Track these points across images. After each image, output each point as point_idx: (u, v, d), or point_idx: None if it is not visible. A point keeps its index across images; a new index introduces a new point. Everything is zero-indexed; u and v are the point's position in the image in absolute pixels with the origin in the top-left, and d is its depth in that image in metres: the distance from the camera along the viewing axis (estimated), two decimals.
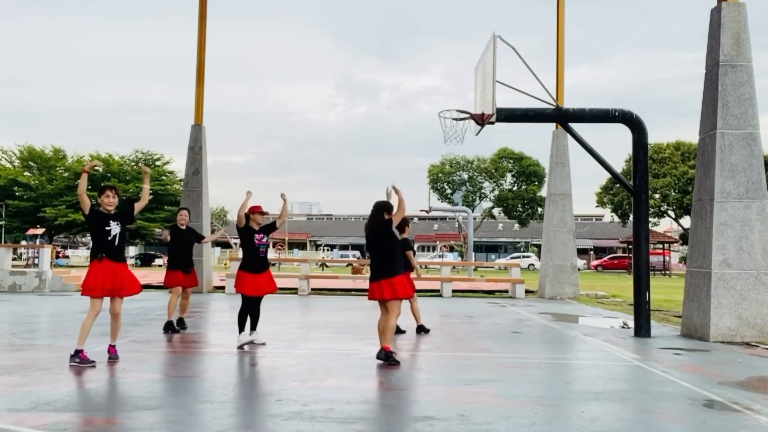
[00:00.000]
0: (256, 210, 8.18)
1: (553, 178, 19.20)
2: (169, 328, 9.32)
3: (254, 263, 8.09)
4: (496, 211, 54.92)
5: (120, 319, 6.92)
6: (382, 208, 7.22)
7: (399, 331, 9.57)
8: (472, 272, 35.04)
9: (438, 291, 18.59)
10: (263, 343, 8.21)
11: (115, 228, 6.73)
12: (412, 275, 9.50)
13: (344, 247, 71.88)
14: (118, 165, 50.46)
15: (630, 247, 37.67)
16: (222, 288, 18.53)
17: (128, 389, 5.69)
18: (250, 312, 8.14)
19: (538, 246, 55.67)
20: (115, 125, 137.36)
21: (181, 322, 9.65)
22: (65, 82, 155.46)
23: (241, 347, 7.89)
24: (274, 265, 41.59)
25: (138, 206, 7.17)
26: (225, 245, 62.31)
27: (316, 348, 8.17)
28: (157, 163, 52.56)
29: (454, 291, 18.87)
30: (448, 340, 9.37)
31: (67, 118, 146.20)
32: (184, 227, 9.64)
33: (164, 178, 51.18)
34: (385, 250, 7.11)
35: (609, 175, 18.38)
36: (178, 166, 59.32)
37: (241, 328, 8.01)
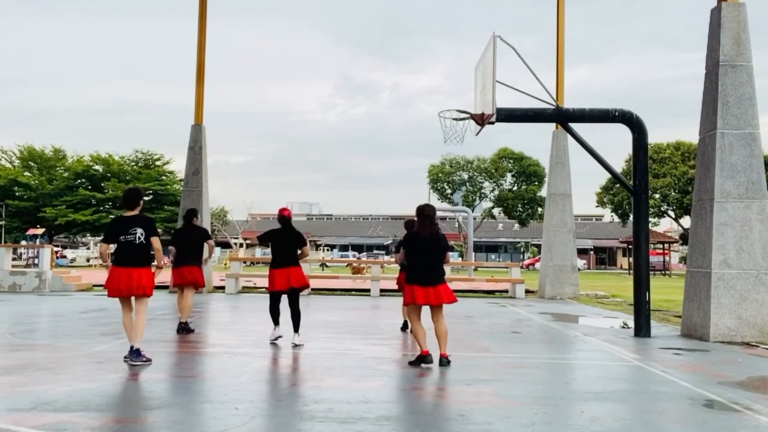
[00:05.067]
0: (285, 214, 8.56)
1: (553, 178, 19.19)
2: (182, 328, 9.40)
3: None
4: (496, 211, 54.86)
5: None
6: (434, 215, 7.26)
7: (406, 327, 9.83)
8: (472, 272, 35.04)
9: None
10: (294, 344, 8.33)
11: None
12: None
13: (344, 248, 71.86)
14: (118, 165, 50.44)
15: (629, 247, 37.69)
16: (222, 288, 18.52)
17: (128, 389, 5.70)
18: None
19: (538, 246, 55.62)
20: (115, 125, 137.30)
21: (184, 326, 9.37)
22: (65, 82, 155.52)
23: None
24: None
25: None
26: (225, 245, 62.33)
27: (316, 348, 8.17)
28: (157, 163, 52.55)
29: (454, 291, 18.83)
30: (448, 340, 9.35)
31: (67, 118, 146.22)
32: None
33: (164, 178, 51.16)
34: (442, 256, 7.20)
35: (609, 175, 18.38)
36: (178, 166, 59.41)
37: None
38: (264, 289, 18.87)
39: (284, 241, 8.42)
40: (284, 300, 8.42)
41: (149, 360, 6.84)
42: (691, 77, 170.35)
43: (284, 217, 8.50)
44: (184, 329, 9.31)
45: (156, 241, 7.04)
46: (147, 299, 7.01)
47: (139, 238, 6.85)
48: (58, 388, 5.52)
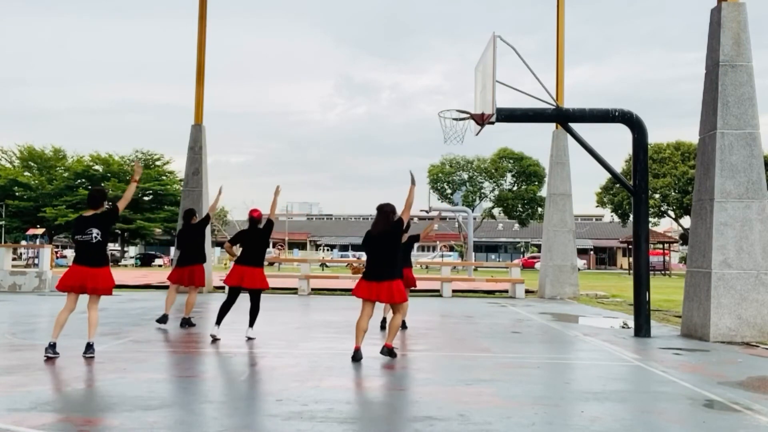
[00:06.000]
0: (255, 214, 8.83)
1: (553, 178, 19.19)
2: (163, 321, 9.70)
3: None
4: (496, 211, 54.87)
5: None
6: (390, 212, 7.34)
7: (404, 326, 9.93)
8: (472, 272, 35.05)
9: (438, 291, 18.60)
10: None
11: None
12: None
13: (344, 248, 71.82)
14: (118, 165, 50.44)
15: (629, 247, 37.67)
16: (222, 288, 18.50)
17: (128, 389, 5.69)
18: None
19: (538, 246, 55.61)
20: (115, 125, 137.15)
21: (186, 321, 9.88)
22: (65, 82, 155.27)
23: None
24: (272, 264, 41.61)
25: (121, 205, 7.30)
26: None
27: (316, 348, 8.17)
28: (157, 163, 52.56)
29: (454, 291, 18.87)
30: (448, 340, 9.37)
31: (67, 118, 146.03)
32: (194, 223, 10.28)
33: (164, 178, 51.19)
34: (395, 251, 7.27)
35: (609, 175, 18.38)
36: (178, 166, 59.41)
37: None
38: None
39: (254, 242, 8.75)
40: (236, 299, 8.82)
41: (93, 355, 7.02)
42: (691, 77, 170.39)
43: (252, 217, 8.84)
44: (187, 323, 9.79)
45: (120, 206, 7.19)
46: (99, 298, 7.20)
47: (95, 238, 7.01)
48: (58, 388, 5.52)
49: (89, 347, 7.04)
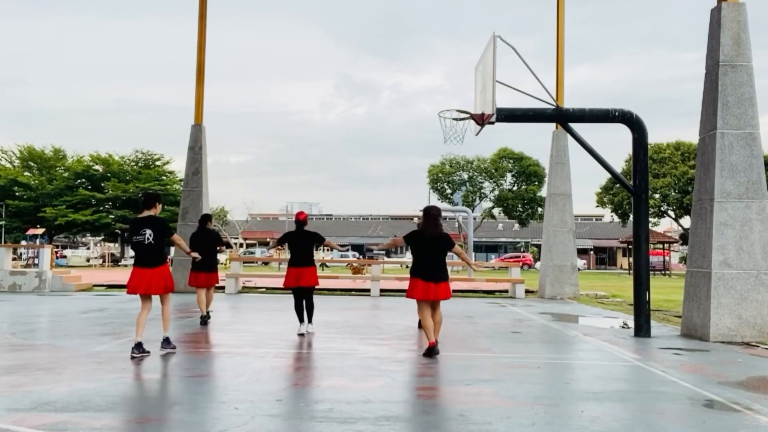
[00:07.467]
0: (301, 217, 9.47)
1: (553, 178, 19.19)
2: (204, 320, 10.55)
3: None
4: (496, 211, 54.85)
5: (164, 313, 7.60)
6: (438, 215, 7.76)
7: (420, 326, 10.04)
8: (472, 272, 35.04)
9: None
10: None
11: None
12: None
13: (344, 247, 71.75)
14: (118, 165, 50.44)
15: (629, 247, 37.67)
16: (222, 288, 18.51)
17: (128, 389, 5.69)
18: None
19: (538, 246, 55.59)
20: (115, 125, 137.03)
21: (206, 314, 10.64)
22: (65, 82, 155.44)
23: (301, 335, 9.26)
24: (267, 264, 41.54)
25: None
26: (225, 246, 62.31)
27: (317, 348, 8.18)
28: (157, 163, 52.57)
29: (454, 291, 18.84)
30: (448, 340, 9.36)
31: (67, 118, 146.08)
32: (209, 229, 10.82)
33: (164, 178, 51.17)
34: (445, 254, 7.65)
35: (609, 175, 18.38)
36: (178, 166, 59.43)
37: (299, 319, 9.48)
38: (264, 289, 18.90)
39: (300, 244, 9.33)
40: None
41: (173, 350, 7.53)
42: (691, 77, 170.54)
43: (298, 220, 9.43)
44: (206, 319, 10.55)
45: (176, 239, 7.51)
46: (169, 295, 7.50)
47: (148, 239, 7.20)
48: (58, 388, 5.52)
49: (166, 341, 7.46)
